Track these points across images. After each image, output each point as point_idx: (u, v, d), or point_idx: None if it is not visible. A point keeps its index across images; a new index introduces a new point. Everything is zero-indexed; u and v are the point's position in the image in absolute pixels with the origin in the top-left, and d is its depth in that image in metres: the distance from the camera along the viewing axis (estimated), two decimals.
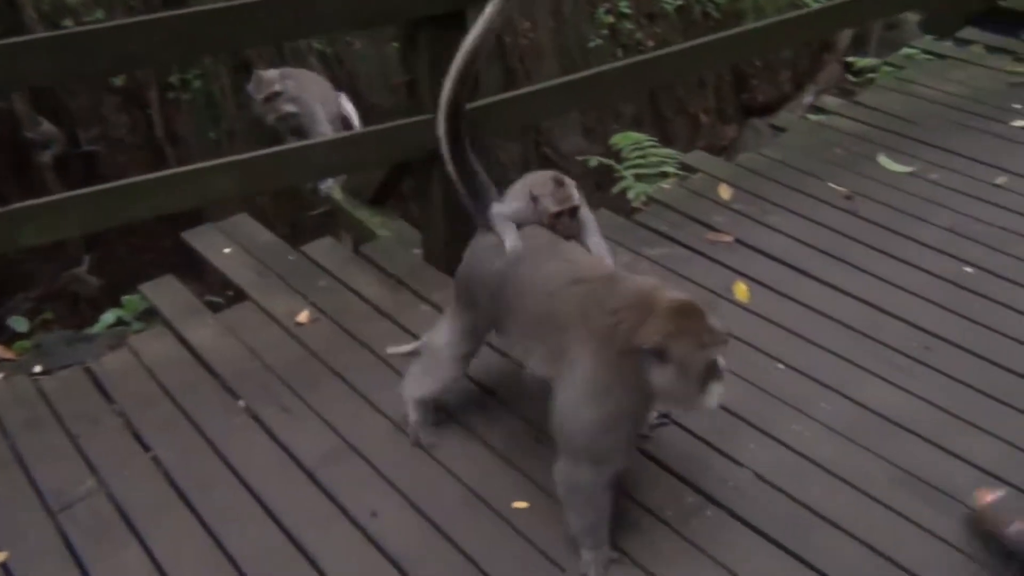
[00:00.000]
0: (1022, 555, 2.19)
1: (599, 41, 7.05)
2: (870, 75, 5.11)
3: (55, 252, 4.55)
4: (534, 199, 2.39)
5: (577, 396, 2.09)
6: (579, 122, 6.86)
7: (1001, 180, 3.84)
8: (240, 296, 3.29)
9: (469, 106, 3.00)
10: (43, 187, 4.65)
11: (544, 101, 3.40)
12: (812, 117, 4.56)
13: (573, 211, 2.39)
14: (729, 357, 2.83)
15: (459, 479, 2.50)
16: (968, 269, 3.30)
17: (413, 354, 2.78)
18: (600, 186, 4.93)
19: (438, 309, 3.14)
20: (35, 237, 2.66)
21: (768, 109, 8.20)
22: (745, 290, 3.19)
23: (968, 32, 5.27)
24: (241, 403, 2.78)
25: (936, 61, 5.00)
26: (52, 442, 2.66)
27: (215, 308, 3.26)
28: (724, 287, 3.22)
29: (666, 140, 7.34)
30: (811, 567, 2.23)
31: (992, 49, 5.09)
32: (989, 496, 2.33)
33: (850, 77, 5.58)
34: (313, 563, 2.27)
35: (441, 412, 2.69)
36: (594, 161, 4.74)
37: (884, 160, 3.98)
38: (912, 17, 5.74)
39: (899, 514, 2.37)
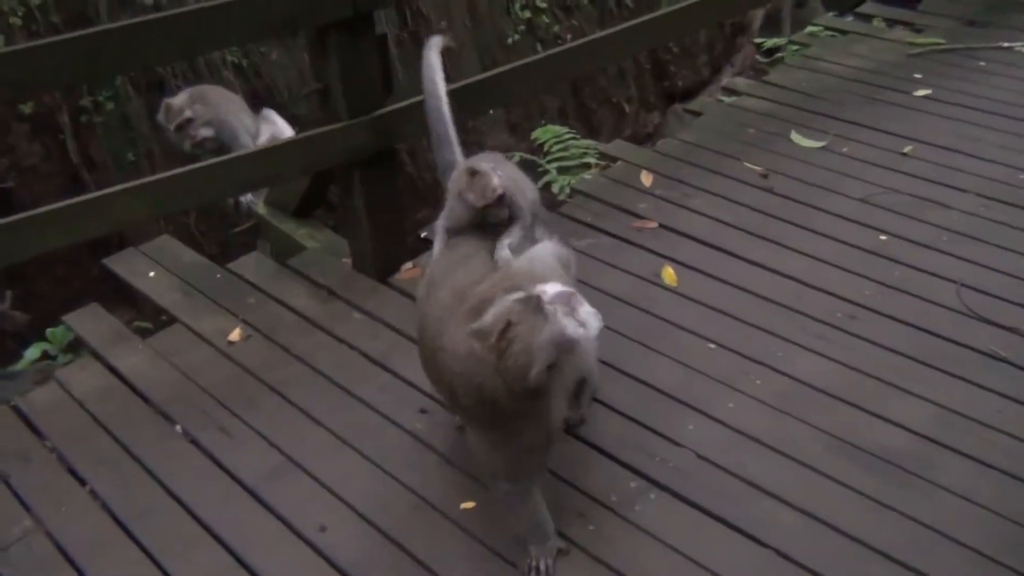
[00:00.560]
0: None
1: (517, 36, 7.09)
2: (778, 55, 5.24)
3: None
4: (460, 196, 2.30)
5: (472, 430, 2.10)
6: (504, 119, 6.89)
7: (908, 149, 3.98)
8: (170, 320, 3.24)
9: (383, 110, 3.03)
10: None
11: (464, 100, 3.39)
12: (725, 99, 4.66)
13: (500, 200, 2.26)
14: (660, 339, 2.94)
15: (405, 485, 2.50)
16: (883, 237, 3.42)
17: None
18: None
19: (371, 317, 3.14)
20: None
21: (689, 94, 8.34)
22: (672, 274, 3.25)
23: (868, 7, 5.45)
24: (178, 428, 2.74)
25: (839, 37, 5.15)
26: None
27: (145, 334, 3.20)
28: (652, 272, 3.28)
29: (592, 131, 7.44)
30: (756, 540, 2.29)
31: (891, 22, 5.27)
32: None
33: (760, 59, 5.71)
34: None
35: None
36: (517, 156, 4.76)
37: (796, 137, 4.10)
38: None
39: (836, 481, 2.44)
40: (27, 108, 4.79)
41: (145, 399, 2.85)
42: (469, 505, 2.42)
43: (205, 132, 3.99)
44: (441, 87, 2.71)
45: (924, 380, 2.77)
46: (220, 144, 4.03)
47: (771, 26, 7.81)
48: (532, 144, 5.05)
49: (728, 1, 4.38)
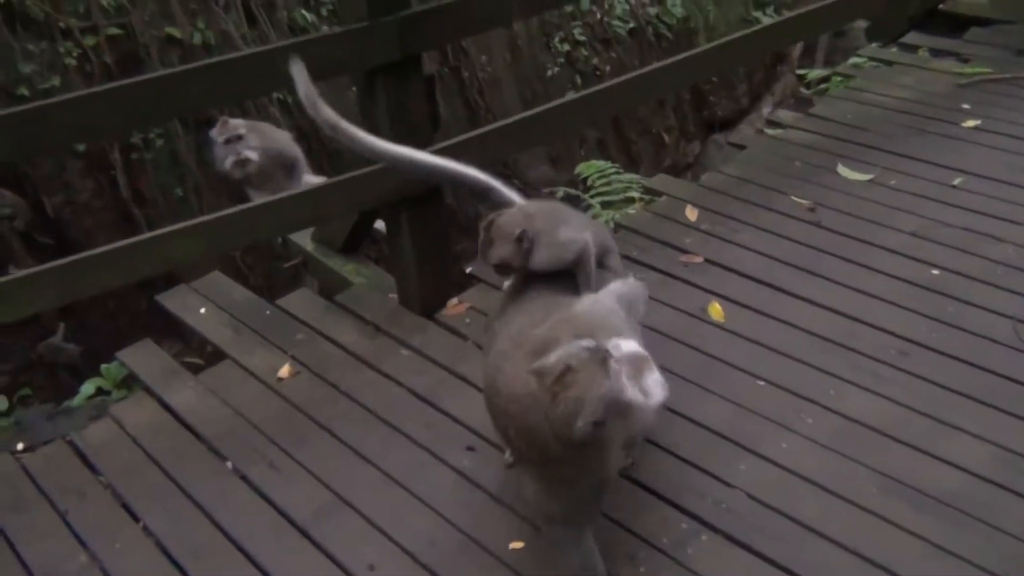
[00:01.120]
0: None
1: (556, 69, 7.15)
2: (822, 86, 5.21)
3: (29, 322, 4.51)
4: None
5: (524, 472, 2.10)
6: (544, 151, 6.93)
7: (958, 181, 3.93)
8: (219, 355, 3.28)
9: (437, 147, 3.05)
10: (11, 258, 4.61)
11: (508, 137, 3.42)
12: (769, 132, 4.64)
13: (501, 267, 2.21)
14: (710, 377, 2.91)
15: (453, 524, 2.49)
16: (935, 272, 3.36)
17: None
18: None
19: (418, 353, 3.15)
20: (8, 315, 2.64)
21: (728, 123, 8.36)
22: (720, 310, 3.23)
23: (912, 37, 5.40)
24: (228, 464, 2.76)
25: (884, 68, 5.11)
26: (39, 520, 2.62)
27: (195, 369, 3.24)
28: (699, 308, 3.26)
29: (632, 162, 7.46)
30: None
31: (937, 52, 5.22)
32: None
33: (804, 90, 5.69)
34: None
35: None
36: (561, 191, 4.79)
37: (843, 169, 4.06)
38: (860, 23, 5.87)
39: (891, 523, 2.40)
40: (81, 146, 4.92)
41: (196, 435, 2.88)
42: (518, 545, 2.40)
43: (251, 154, 4.10)
44: (430, 157, 2.63)
45: (981, 418, 2.71)
46: (259, 173, 4.14)
47: (811, 55, 7.81)
48: (574, 177, 5.07)
49: (769, 37, 4.35)
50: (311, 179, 4.27)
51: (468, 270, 3.62)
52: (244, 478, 2.71)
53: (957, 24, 5.49)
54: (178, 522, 2.58)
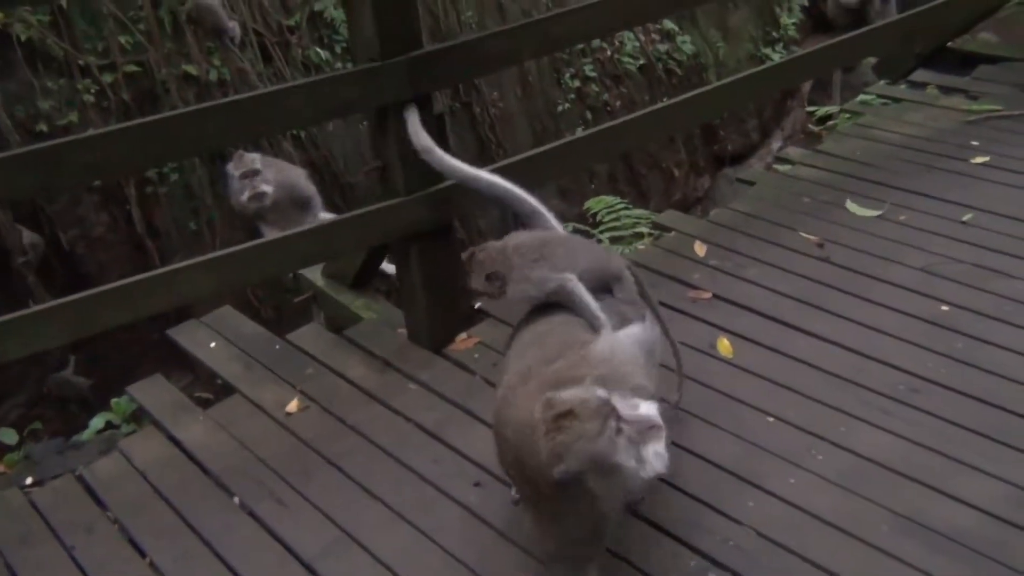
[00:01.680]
0: None
1: (567, 105, 7.21)
2: (831, 122, 5.23)
3: (39, 355, 4.54)
4: None
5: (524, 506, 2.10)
6: (554, 185, 6.97)
7: (967, 217, 3.92)
8: (229, 389, 3.29)
9: (440, 186, 3.09)
10: (26, 292, 4.66)
11: (519, 173, 3.44)
12: (778, 168, 4.65)
13: (479, 296, 2.28)
14: (718, 413, 2.90)
15: (460, 560, 2.48)
16: (945, 308, 3.35)
17: None
18: None
19: (427, 388, 3.16)
20: (20, 350, 2.67)
21: (738, 158, 8.39)
22: (728, 346, 3.22)
23: (921, 74, 5.42)
24: (236, 500, 2.77)
25: (892, 105, 5.13)
26: (46, 555, 2.63)
27: (205, 403, 3.25)
28: (708, 344, 3.25)
29: (642, 196, 7.49)
30: None
31: (945, 89, 5.24)
32: None
33: (812, 127, 5.72)
34: None
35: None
36: (570, 227, 4.81)
37: (852, 206, 4.07)
38: (869, 59, 5.91)
39: (903, 562, 2.36)
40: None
41: (204, 470, 2.89)
42: None
43: (266, 188, 4.20)
44: (489, 175, 2.78)
45: (993, 456, 2.68)
46: (274, 208, 4.20)
47: (820, 89, 7.85)
48: (584, 212, 5.09)
49: (780, 74, 4.39)
50: (326, 216, 4.32)
51: (477, 305, 3.63)
52: (252, 514, 2.71)
53: (966, 61, 5.51)
54: (185, 559, 2.57)
